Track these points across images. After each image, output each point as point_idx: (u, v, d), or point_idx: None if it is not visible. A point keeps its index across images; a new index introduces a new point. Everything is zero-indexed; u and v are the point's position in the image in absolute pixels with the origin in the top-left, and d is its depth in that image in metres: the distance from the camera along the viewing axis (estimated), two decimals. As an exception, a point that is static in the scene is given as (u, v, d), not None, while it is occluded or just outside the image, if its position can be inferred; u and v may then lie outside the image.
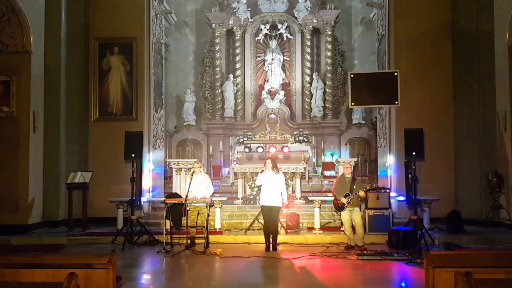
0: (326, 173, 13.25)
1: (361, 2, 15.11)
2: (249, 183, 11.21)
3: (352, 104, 10.36)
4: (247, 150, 12.01)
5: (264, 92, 15.81)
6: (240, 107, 15.92)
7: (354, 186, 8.14)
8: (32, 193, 9.87)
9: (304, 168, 11.45)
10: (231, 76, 15.81)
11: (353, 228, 8.30)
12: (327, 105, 15.61)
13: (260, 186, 8.51)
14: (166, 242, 8.11)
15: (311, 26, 15.68)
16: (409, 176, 8.62)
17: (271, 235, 8.23)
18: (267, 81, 15.90)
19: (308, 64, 15.83)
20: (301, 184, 11.34)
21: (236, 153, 13.88)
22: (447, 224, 9.35)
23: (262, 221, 8.72)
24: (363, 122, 15.35)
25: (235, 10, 15.60)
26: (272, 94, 15.57)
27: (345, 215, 8.18)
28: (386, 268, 6.84)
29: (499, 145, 9.79)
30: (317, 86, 15.46)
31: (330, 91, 15.61)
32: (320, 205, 9.44)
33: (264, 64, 16.05)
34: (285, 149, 11.85)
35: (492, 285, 3.40)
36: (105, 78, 11.15)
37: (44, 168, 10.36)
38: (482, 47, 10.29)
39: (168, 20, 14.24)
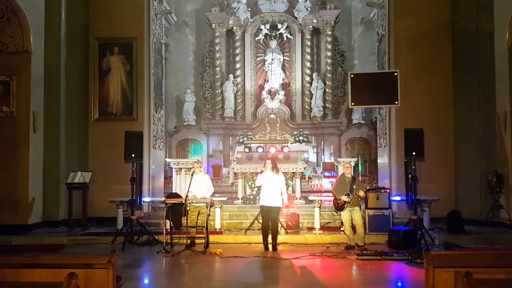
0: (326, 173, 13.26)
1: (361, 2, 15.12)
2: (249, 183, 11.21)
3: (352, 104, 10.36)
4: (247, 150, 12.01)
5: (264, 92, 15.82)
6: (240, 107, 15.93)
7: (354, 186, 8.15)
8: (32, 193, 9.87)
9: (304, 168, 11.45)
10: (231, 76, 15.81)
11: (353, 228, 8.30)
12: (327, 105, 15.62)
13: (260, 186, 8.51)
14: (166, 242, 8.11)
15: (311, 26, 15.69)
16: (409, 176, 8.62)
17: (271, 235, 8.24)
18: (267, 81, 15.91)
19: (308, 64, 15.84)
20: (301, 184, 11.35)
21: (236, 153, 13.88)
22: (447, 224, 9.34)
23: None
24: (363, 122, 15.36)
25: (235, 10, 15.61)
26: (272, 94, 15.58)
27: (345, 215, 8.18)
28: (386, 268, 6.84)
29: (499, 145, 9.79)
30: (317, 86, 15.47)
31: (330, 91, 15.62)
32: (320, 205, 9.44)
33: (264, 64, 16.06)
34: (285, 149, 11.84)
35: (492, 285, 3.40)
36: (105, 78, 11.15)
37: (44, 168, 10.36)
38: (482, 47, 10.29)
39: (168, 20, 14.25)
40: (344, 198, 8.09)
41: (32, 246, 8.56)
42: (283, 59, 16.06)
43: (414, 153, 8.58)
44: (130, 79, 11.13)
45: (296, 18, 15.63)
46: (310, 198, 9.82)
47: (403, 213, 9.95)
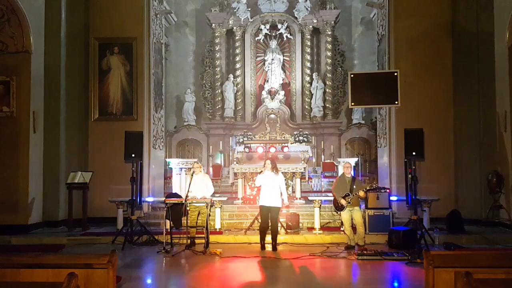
0: (326, 173, 13.25)
1: (361, 2, 15.12)
2: (249, 183, 11.21)
3: (352, 104, 10.36)
4: (247, 150, 12.01)
5: (264, 92, 15.82)
6: (240, 107, 15.93)
7: (354, 186, 8.15)
8: (32, 193, 9.87)
9: (304, 168, 11.45)
10: (231, 76, 15.81)
11: (353, 228, 8.30)
12: (327, 105, 15.62)
13: (260, 186, 8.51)
14: (166, 242, 8.11)
15: (311, 26, 15.69)
16: (409, 176, 8.62)
17: (271, 235, 8.24)
18: (267, 81, 15.91)
19: (308, 64, 15.83)
20: (301, 184, 11.34)
21: (236, 153, 13.88)
22: (447, 224, 9.35)
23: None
24: (363, 122, 15.36)
25: (235, 10, 15.61)
26: (272, 94, 15.58)
27: (345, 215, 8.18)
28: (386, 268, 6.84)
29: (499, 145, 9.79)
30: (317, 86, 15.47)
31: (330, 91, 15.62)
32: (320, 205, 9.44)
33: (264, 64, 16.06)
34: (285, 149, 11.84)
35: (492, 285, 3.40)
36: (105, 78, 11.15)
37: (44, 168, 10.36)
38: (482, 47, 10.29)
39: (168, 20, 14.25)
40: (343, 202, 8.08)
41: (32, 246, 8.57)
42: (283, 59, 16.05)
43: (414, 153, 8.57)
44: (130, 79, 11.13)
45: (296, 18, 15.63)
46: (310, 198, 9.82)
47: (403, 213, 9.95)
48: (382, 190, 9.36)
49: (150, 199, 10.85)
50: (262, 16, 15.90)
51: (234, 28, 15.75)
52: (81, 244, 8.86)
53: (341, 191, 8.20)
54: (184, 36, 16.19)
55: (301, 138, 14.95)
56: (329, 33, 15.66)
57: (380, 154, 11.88)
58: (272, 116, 15.53)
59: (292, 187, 11.30)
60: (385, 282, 6.31)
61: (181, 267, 7.27)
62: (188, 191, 8.27)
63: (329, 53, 15.67)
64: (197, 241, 8.39)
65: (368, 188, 8.49)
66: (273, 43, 15.87)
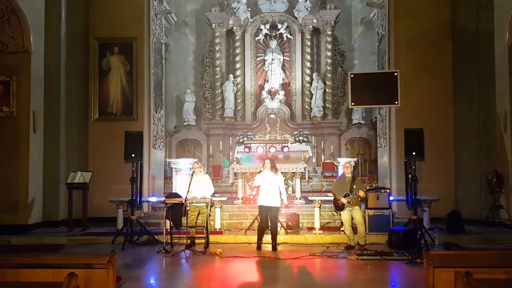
0: (326, 173, 13.25)
1: (361, 2, 15.11)
2: (249, 183, 11.21)
3: (352, 104, 10.36)
4: (247, 150, 12.01)
5: (264, 92, 15.82)
6: (240, 107, 15.93)
7: (354, 186, 8.15)
8: (32, 193, 9.87)
9: (304, 168, 11.45)
10: (231, 76, 15.81)
11: (353, 228, 8.30)
12: (327, 105, 15.62)
13: (259, 186, 8.50)
14: (166, 242, 8.11)
15: (311, 26, 15.69)
16: (409, 176, 8.61)
17: (271, 235, 8.25)
18: (267, 81, 15.91)
19: (308, 64, 15.83)
20: (301, 184, 11.34)
21: (236, 153, 13.88)
22: (447, 224, 9.35)
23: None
24: (363, 122, 15.36)
25: (235, 10, 15.60)
26: (272, 94, 15.58)
27: (345, 214, 8.19)
28: (386, 268, 6.84)
29: (499, 145, 9.79)
30: (317, 86, 15.47)
31: (330, 91, 15.62)
32: (320, 205, 9.44)
33: (264, 64, 16.06)
34: (285, 149, 11.84)
35: (492, 285, 3.40)
36: (105, 78, 11.15)
37: (44, 168, 10.36)
38: (482, 47, 10.29)
39: (168, 20, 14.24)
40: (343, 200, 8.08)
41: (32, 246, 8.57)
42: (283, 59, 16.05)
43: (414, 153, 8.57)
44: (130, 79, 11.13)
45: (296, 18, 15.62)
46: (310, 198, 9.82)
47: (403, 213, 9.95)
48: (382, 190, 9.36)
49: (153, 199, 10.85)
50: (262, 16, 15.90)
51: (234, 28, 15.75)
52: (81, 244, 8.87)
53: (341, 191, 8.20)
54: (184, 36, 16.19)
55: (301, 138, 14.95)
56: (329, 33, 15.66)
57: (380, 154, 11.88)
58: (272, 116, 15.53)
59: (292, 187, 11.30)
60: (385, 282, 6.31)
61: (181, 267, 7.28)
62: (188, 191, 8.27)
63: (329, 53, 15.66)
64: (197, 241, 8.40)
65: (368, 188, 8.50)
66: (273, 43, 15.87)
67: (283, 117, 15.59)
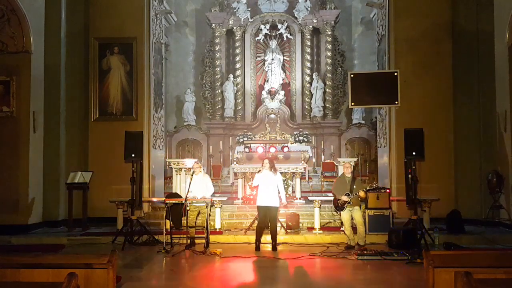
0: (326, 173, 13.24)
1: (361, 2, 15.12)
2: (249, 183, 11.21)
3: (352, 104, 10.37)
4: (247, 150, 12.01)
5: (264, 92, 15.83)
6: (240, 107, 15.94)
7: (354, 186, 8.15)
8: (32, 193, 9.87)
9: (304, 168, 11.45)
10: (231, 76, 15.82)
11: (353, 228, 8.30)
12: (327, 105, 15.63)
13: (258, 186, 8.50)
14: (166, 242, 8.11)
15: (311, 26, 15.69)
16: (409, 176, 8.61)
17: (270, 235, 8.25)
18: (267, 81, 15.92)
19: (308, 64, 15.84)
20: (301, 184, 11.34)
21: (236, 153, 13.88)
22: (447, 224, 9.34)
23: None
24: (363, 122, 15.36)
25: (235, 10, 15.61)
26: (272, 94, 15.59)
27: (345, 214, 8.18)
28: (386, 268, 6.84)
29: (499, 145, 9.79)
30: (317, 86, 15.48)
31: (330, 91, 15.63)
32: (320, 205, 9.44)
33: (264, 64, 16.07)
34: (285, 149, 11.84)
35: (492, 285, 3.40)
36: (105, 78, 11.15)
37: (44, 168, 10.35)
38: (482, 47, 10.29)
39: (168, 20, 14.25)
40: (344, 198, 8.09)
41: (32, 246, 8.56)
42: (283, 59, 16.06)
43: (414, 153, 8.57)
44: (130, 79, 11.13)
45: (296, 18, 15.63)
46: (310, 198, 9.82)
47: (403, 213, 9.94)
48: (382, 190, 9.35)
49: (157, 198, 10.87)
50: (262, 16, 15.90)
51: (234, 28, 15.76)
52: (81, 244, 8.87)
53: (341, 191, 8.20)
54: (184, 36, 16.20)
55: (301, 138, 14.95)
56: (329, 33, 15.66)
57: (380, 154, 11.88)
58: (272, 116, 15.54)
59: (292, 187, 11.29)
60: (385, 282, 6.30)
61: (181, 267, 7.27)
62: (188, 191, 8.27)
63: (329, 53, 15.67)
64: (197, 241, 8.39)
65: (368, 188, 8.50)
66: (273, 43, 15.87)
67: (283, 117, 15.60)
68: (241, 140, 14.74)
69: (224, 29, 15.86)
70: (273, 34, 16.02)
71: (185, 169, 11.02)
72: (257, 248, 8.12)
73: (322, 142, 15.30)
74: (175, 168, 11.19)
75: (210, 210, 8.43)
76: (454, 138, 10.63)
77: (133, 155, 9.05)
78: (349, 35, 16.18)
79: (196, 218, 8.50)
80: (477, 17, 10.43)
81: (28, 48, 9.87)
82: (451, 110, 10.67)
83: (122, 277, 5.92)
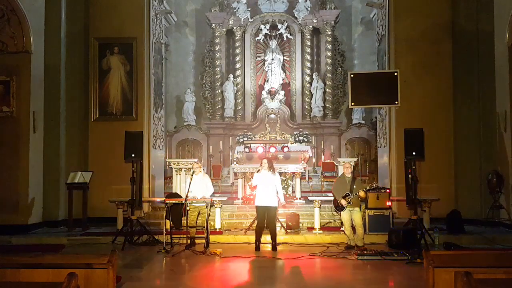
0: (326, 173, 13.25)
1: (361, 2, 15.12)
2: (249, 183, 11.21)
3: (352, 104, 10.37)
4: (247, 150, 12.01)
5: (264, 92, 15.83)
6: (240, 107, 15.94)
7: (354, 186, 8.14)
8: (32, 193, 9.87)
9: (304, 168, 11.45)
10: (231, 76, 15.82)
11: (353, 228, 8.30)
12: (327, 105, 15.63)
13: (256, 186, 8.49)
14: (166, 242, 8.11)
15: (311, 26, 15.69)
16: (409, 176, 8.61)
17: (270, 235, 8.25)
18: (267, 81, 15.92)
19: (308, 64, 15.84)
20: (301, 184, 11.34)
21: (236, 153, 13.88)
22: (447, 224, 9.34)
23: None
24: (363, 122, 15.36)
25: (235, 10, 15.61)
26: (272, 94, 15.59)
27: (345, 215, 8.18)
28: (386, 268, 6.84)
29: (499, 145, 9.79)
30: (317, 86, 15.48)
31: (330, 91, 15.63)
32: (320, 205, 9.44)
33: (264, 64, 16.07)
34: (285, 149, 11.84)
35: (492, 285, 3.40)
36: (105, 78, 11.14)
37: (44, 168, 10.35)
38: (482, 47, 10.29)
39: (168, 20, 14.25)
40: (343, 202, 8.08)
41: (32, 246, 8.56)
42: (283, 59, 16.06)
43: (414, 153, 8.57)
44: (130, 79, 11.13)
45: (296, 18, 15.63)
46: (310, 198, 9.82)
47: (403, 213, 9.94)
48: (382, 190, 9.36)
49: (157, 198, 10.88)
50: (262, 16, 15.90)
51: (234, 28, 15.76)
52: (81, 244, 8.87)
53: (341, 191, 8.20)
54: (184, 36, 16.20)
55: (301, 138, 14.95)
56: (329, 33, 15.66)
57: (380, 154, 11.88)
58: (272, 116, 15.54)
59: (292, 187, 11.29)
60: (385, 282, 6.31)
61: (181, 267, 7.27)
62: (188, 191, 8.27)
63: (329, 53, 15.67)
64: (197, 241, 8.39)
65: (368, 188, 8.50)
66: (273, 43, 15.88)
67: (283, 117, 15.60)
68: (241, 140, 14.74)
69: (224, 29, 15.86)
70: (273, 34, 16.02)
71: (185, 169, 11.02)
72: (257, 248, 8.12)
73: (322, 142, 15.30)
74: (175, 168, 11.19)
75: (210, 210, 8.43)
76: (454, 138, 10.63)
77: (133, 155, 9.05)
78: (349, 35, 16.18)
79: (197, 218, 8.50)
80: (477, 17, 10.43)
81: (28, 48, 9.87)
82: (451, 110, 10.67)
83: (122, 277, 5.92)
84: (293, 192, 11.22)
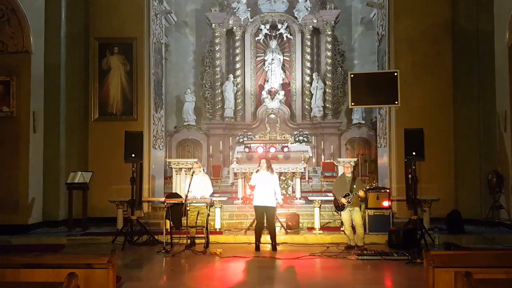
0: (326, 173, 13.25)
1: (361, 2, 15.12)
2: (249, 183, 11.20)
3: (352, 104, 10.37)
4: (247, 150, 12.01)
5: (264, 92, 15.83)
6: (240, 107, 15.94)
7: (354, 186, 8.14)
8: (32, 193, 9.87)
9: (304, 168, 11.45)
10: (231, 76, 15.82)
11: (353, 228, 8.30)
12: (327, 105, 15.63)
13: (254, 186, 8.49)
14: (166, 242, 8.11)
15: (311, 26, 15.70)
16: (409, 176, 8.61)
17: (269, 235, 8.25)
18: (267, 81, 15.92)
19: (308, 64, 15.84)
20: (301, 184, 11.34)
21: (236, 153, 13.88)
22: (447, 224, 9.34)
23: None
24: (363, 122, 15.37)
25: (235, 10, 15.62)
26: (272, 94, 15.59)
27: (345, 215, 8.18)
28: (386, 268, 6.84)
29: (499, 145, 9.79)
30: (317, 86, 15.48)
31: (330, 91, 15.63)
32: (320, 205, 9.44)
33: (264, 64, 16.07)
34: (285, 149, 11.84)
35: (492, 285, 3.40)
36: (105, 78, 11.14)
37: (44, 168, 10.35)
38: (482, 47, 10.29)
39: (168, 20, 14.25)
40: (343, 200, 8.08)
41: (32, 246, 8.56)
42: (283, 59, 16.06)
43: (414, 153, 8.57)
44: (130, 79, 11.13)
45: (296, 18, 15.64)
46: (310, 198, 9.82)
47: (403, 213, 9.94)
48: (382, 190, 9.36)
49: (157, 198, 10.88)
50: (262, 16, 15.91)
51: (234, 28, 15.76)
52: (81, 244, 8.87)
53: (341, 191, 8.20)
54: (184, 36, 16.20)
55: (301, 138, 14.95)
56: (329, 33, 15.66)
57: (380, 154, 11.88)
58: (272, 116, 15.54)
59: (292, 187, 11.29)
60: (385, 282, 6.31)
61: (181, 267, 7.27)
62: (188, 191, 8.27)
63: (329, 53, 15.67)
64: (197, 241, 8.39)
65: (368, 188, 8.50)
66: (273, 43, 15.88)
67: (283, 117, 15.60)
68: (241, 140, 14.74)
69: (224, 29, 15.86)
70: (273, 34, 16.02)
71: (185, 169, 11.02)
72: (257, 248, 8.12)
73: (322, 142, 15.30)
74: (175, 168, 11.19)
75: (209, 210, 8.43)
76: (454, 138, 10.63)
77: (133, 155, 9.05)
78: (349, 35, 16.18)
79: (196, 218, 8.51)
80: (477, 17, 10.43)
81: (28, 48, 9.86)
82: (451, 110, 10.67)
83: (122, 277, 5.92)
84: (293, 192, 11.22)
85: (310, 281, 6.22)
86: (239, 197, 11.01)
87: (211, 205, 8.52)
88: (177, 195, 9.07)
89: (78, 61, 11.16)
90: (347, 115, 15.84)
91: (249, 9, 15.68)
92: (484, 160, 10.23)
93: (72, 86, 11.02)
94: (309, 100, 15.72)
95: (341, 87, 15.82)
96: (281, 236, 8.77)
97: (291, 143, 14.24)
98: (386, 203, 9.08)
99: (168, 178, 12.67)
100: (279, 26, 15.84)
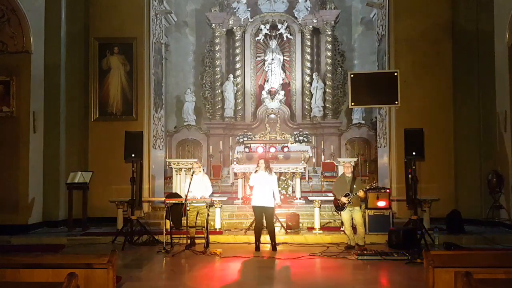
0: (326, 173, 13.25)
1: (361, 2, 15.12)
2: (248, 183, 11.20)
3: (352, 104, 10.37)
4: (247, 150, 12.01)
5: (264, 92, 15.83)
6: (240, 107, 15.94)
7: (354, 186, 8.14)
8: (32, 193, 9.87)
9: (304, 168, 11.45)
10: (231, 76, 15.82)
11: (353, 228, 8.30)
12: (327, 105, 15.63)
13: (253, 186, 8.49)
14: (166, 242, 8.11)
15: (311, 26, 15.69)
16: (409, 176, 8.61)
17: (269, 235, 8.25)
18: (267, 81, 15.92)
19: (308, 64, 15.84)
20: (301, 184, 11.34)
21: (236, 153, 13.88)
22: (447, 224, 9.34)
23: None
24: (363, 122, 15.37)
25: (235, 10, 15.62)
26: (272, 94, 15.59)
27: (345, 214, 8.18)
28: (386, 268, 6.84)
29: (499, 145, 9.79)
30: (317, 86, 15.48)
31: (330, 91, 15.63)
32: (320, 205, 9.44)
33: (264, 64, 16.07)
34: (285, 149, 11.84)
35: (492, 285, 3.40)
36: (105, 78, 11.15)
37: (44, 168, 10.35)
38: (482, 47, 10.29)
39: (168, 20, 14.25)
40: (344, 199, 8.08)
41: (32, 246, 8.56)
42: (283, 59, 16.06)
43: (414, 153, 8.57)
44: (130, 79, 11.13)
45: (296, 18, 15.64)
46: (310, 198, 9.82)
47: (403, 213, 9.94)
48: (382, 190, 9.35)
49: (157, 198, 10.88)
50: (262, 16, 15.90)
51: (234, 28, 15.76)
52: (81, 244, 8.86)
53: (341, 191, 8.20)
54: (184, 36, 16.20)
55: (301, 138, 14.95)
56: (329, 33, 15.66)
57: (380, 154, 11.88)
58: (272, 116, 15.54)
59: (292, 187, 11.29)
60: (385, 282, 6.31)
61: (181, 267, 7.27)
62: (188, 191, 8.27)
63: (329, 53, 15.67)
64: (197, 241, 8.39)
65: (368, 188, 8.50)
66: (273, 43, 15.88)
67: (283, 117, 15.60)
68: (241, 140, 14.74)
69: (224, 29, 15.86)
70: (273, 34, 16.02)
71: (185, 169, 11.02)
72: (257, 248, 8.12)
73: (322, 142, 15.30)
74: (175, 168, 11.20)
75: (209, 210, 8.43)
76: (454, 138, 10.63)
77: (133, 155, 9.05)
78: (349, 35, 16.18)
79: (196, 218, 8.51)
80: (477, 17, 10.43)
81: (28, 48, 9.86)
82: (451, 110, 10.67)
83: (122, 277, 5.92)
84: (293, 192, 11.22)
85: (310, 281, 6.22)
86: (239, 197, 11.02)
87: (211, 205, 8.52)
88: (177, 195, 9.07)
89: (78, 61, 11.16)
90: (347, 115, 15.85)
91: (249, 9, 15.68)
92: (484, 160, 10.23)
93: (72, 86, 11.02)
94: (309, 100, 15.72)
95: (341, 87, 15.82)
96: (281, 236, 8.77)
97: (291, 143, 14.24)
98: (381, 203, 9.05)
99: (168, 178, 12.67)
100: (279, 26, 15.84)
